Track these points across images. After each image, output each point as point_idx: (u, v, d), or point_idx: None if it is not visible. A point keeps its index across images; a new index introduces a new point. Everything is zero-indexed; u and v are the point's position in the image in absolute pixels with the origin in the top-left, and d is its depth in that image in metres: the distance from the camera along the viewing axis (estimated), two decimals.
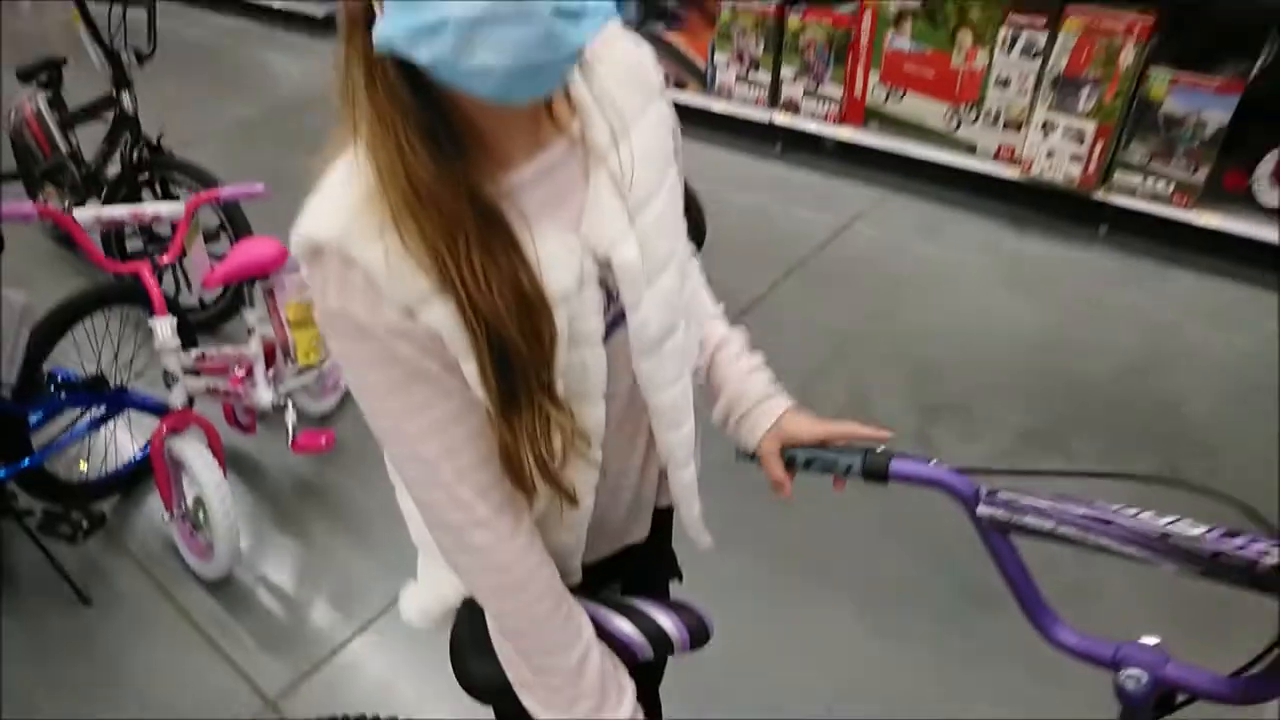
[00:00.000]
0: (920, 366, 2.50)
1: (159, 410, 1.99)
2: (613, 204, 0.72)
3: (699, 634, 0.88)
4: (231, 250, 2.06)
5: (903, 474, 0.85)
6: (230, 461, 1.89)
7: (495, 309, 0.64)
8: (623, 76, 0.74)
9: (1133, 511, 0.74)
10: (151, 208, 2.05)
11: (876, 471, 0.85)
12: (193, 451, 1.82)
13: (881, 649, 1.73)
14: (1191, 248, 2.87)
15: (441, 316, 0.65)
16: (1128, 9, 2.66)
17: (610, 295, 0.74)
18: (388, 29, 0.54)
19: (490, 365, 0.66)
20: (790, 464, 0.89)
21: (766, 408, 0.90)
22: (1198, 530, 0.70)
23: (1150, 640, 0.78)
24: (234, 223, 2.52)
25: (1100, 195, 2.93)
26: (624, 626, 0.85)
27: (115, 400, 2.00)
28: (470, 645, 0.85)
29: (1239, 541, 0.67)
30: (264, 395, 2.05)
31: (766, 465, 0.91)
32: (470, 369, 0.67)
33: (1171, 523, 0.71)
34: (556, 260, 0.68)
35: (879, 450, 0.86)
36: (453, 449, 0.71)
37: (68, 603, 1.85)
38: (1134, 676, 0.76)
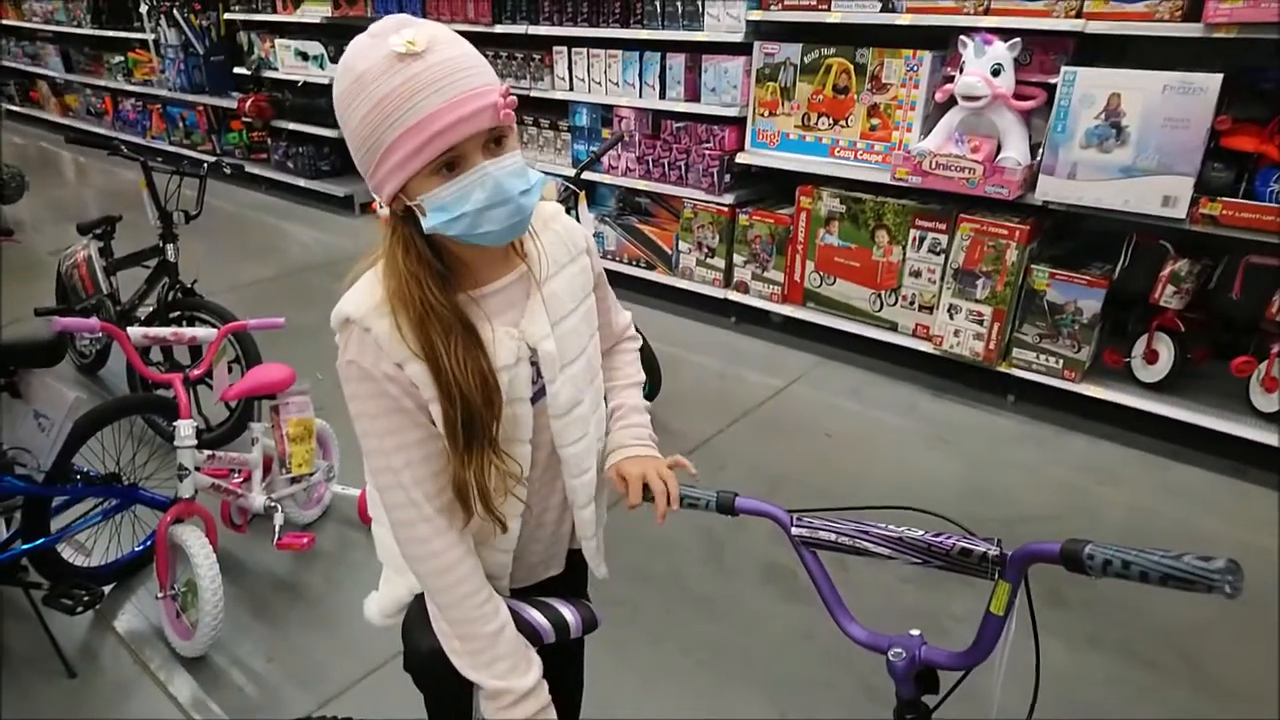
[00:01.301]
0: (844, 504, 2.79)
1: (163, 506, 2.25)
2: (542, 315, 1.09)
3: (590, 624, 1.17)
4: (249, 372, 2.42)
5: (744, 508, 1.17)
6: (219, 556, 2.12)
7: (462, 371, 0.99)
8: (558, 241, 1.14)
9: (884, 525, 1.07)
10: (190, 331, 2.43)
11: (726, 506, 1.17)
12: (192, 537, 2.05)
13: None
14: (1085, 415, 3.24)
15: (418, 372, 0.99)
16: (1010, 218, 3.24)
17: (538, 373, 1.10)
18: (432, 221, 0.94)
19: (454, 411, 0.99)
20: (670, 501, 1.20)
21: (618, 454, 1.21)
22: (919, 533, 1.03)
23: (914, 632, 1.08)
24: (247, 353, 2.91)
25: (1003, 368, 3.36)
26: (535, 615, 1.13)
27: (127, 495, 2.27)
28: (416, 623, 1.12)
29: (940, 538, 1.01)
30: (258, 499, 2.35)
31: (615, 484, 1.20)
32: (436, 411, 1.01)
33: (904, 530, 1.04)
34: (502, 344, 1.05)
35: (728, 492, 1.19)
36: (412, 463, 1.02)
37: (55, 674, 2.01)
38: (898, 654, 1.05)
